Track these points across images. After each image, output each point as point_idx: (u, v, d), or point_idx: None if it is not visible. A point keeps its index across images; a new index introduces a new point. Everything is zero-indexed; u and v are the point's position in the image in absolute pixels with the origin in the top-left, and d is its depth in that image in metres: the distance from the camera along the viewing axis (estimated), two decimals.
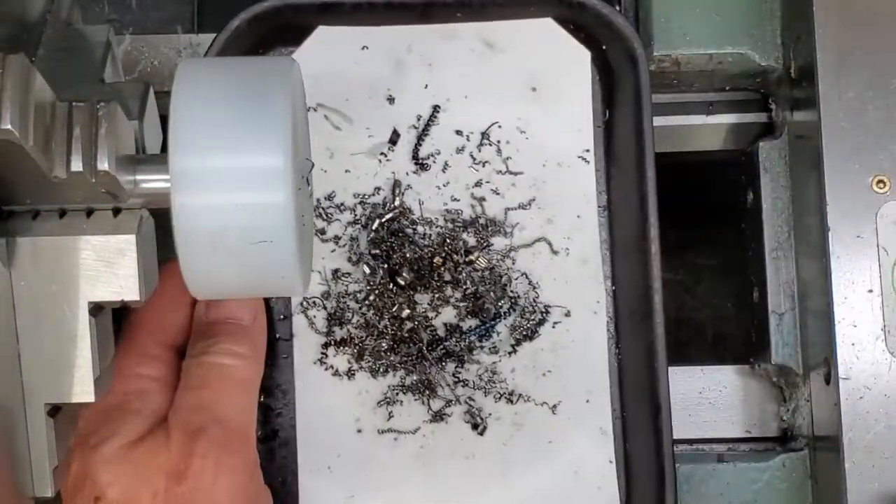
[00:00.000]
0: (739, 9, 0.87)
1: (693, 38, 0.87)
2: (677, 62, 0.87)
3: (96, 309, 0.67)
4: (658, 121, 0.94)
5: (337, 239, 0.84)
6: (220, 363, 0.66)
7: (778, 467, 0.84)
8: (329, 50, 0.84)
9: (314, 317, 0.83)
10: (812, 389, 0.83)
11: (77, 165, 0.62)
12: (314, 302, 0.84)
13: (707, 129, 0.94)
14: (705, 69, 0.88)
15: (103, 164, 0.63)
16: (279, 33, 0.83)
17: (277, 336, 0.83)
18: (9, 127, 0.57)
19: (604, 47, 0.84)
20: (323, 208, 0.84)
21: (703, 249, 1.31)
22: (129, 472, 0.59)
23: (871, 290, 0.78)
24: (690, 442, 0.89)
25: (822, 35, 0.80)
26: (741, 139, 0.93)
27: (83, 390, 0.66)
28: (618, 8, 0.90)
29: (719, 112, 0.94)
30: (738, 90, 0.92)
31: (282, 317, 0.84)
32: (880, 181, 0.79)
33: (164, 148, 0.64)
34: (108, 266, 0.66)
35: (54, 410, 0.67)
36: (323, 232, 0.84)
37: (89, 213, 0.67)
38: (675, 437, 0.88)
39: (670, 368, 0.90)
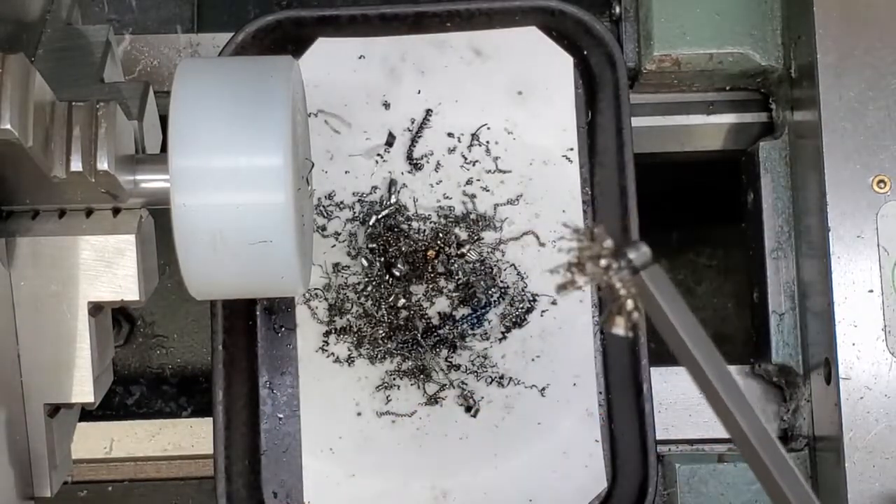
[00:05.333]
0: (739, 9, 0.87)
1: (693, 38, 0.87)
2: (677, 62, 0.87)
3: (96, 309, 0.67)
4: (658, 121, 0.94)
5: (337, 235, 0.86)
6: None
7: None
8: (328, 59, 0.87)
9: (316, 307, 0.86)
10: (812, 389, 0.83)
11: (76, 165, 0.62)
12: (316, 293, 0.86)
13: (707, 129, 0.94)
14: (705, 69, 0.88)
15: (103, 164, 0.63)
16: (281, 45, 0.86)
17: (281, 326, 0.86)
18: (8, 127, 0.57)
19: (585, 53, 0.87)
20: (323, 206, 0.86)
21: (703, 249, 1.31)
22: None
23: (871, 290, 0.78)
24: (690, 442, 0.89)
25: (822, 35, 0.80)
26: (741, 139, 0.93)
27: (83, 390, 0.66)
28: (616, 9, 0.90)
29: (719, 112, 0.93)
30: (739, 90, 0.92)
31: (286, 308, 0.86)
32: (881, 181, 0.79)
33: (164, 148, 0.64)
34: (108, 266, 0.66)
35: (54, 411, 0.67)
36: (324, 228, 0.86)
37: (89, 213, 0.67)
38: (675, 437, 0.89)
39: (671, 368, 0.90)
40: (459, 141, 0.87)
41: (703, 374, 0.46)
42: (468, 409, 0.85)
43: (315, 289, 0.85)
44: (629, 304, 0.46)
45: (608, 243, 0.45)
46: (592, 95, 0.88)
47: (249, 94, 0.64)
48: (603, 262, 0.45)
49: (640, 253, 0.45)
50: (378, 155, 0.87)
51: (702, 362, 0.46)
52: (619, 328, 0.46)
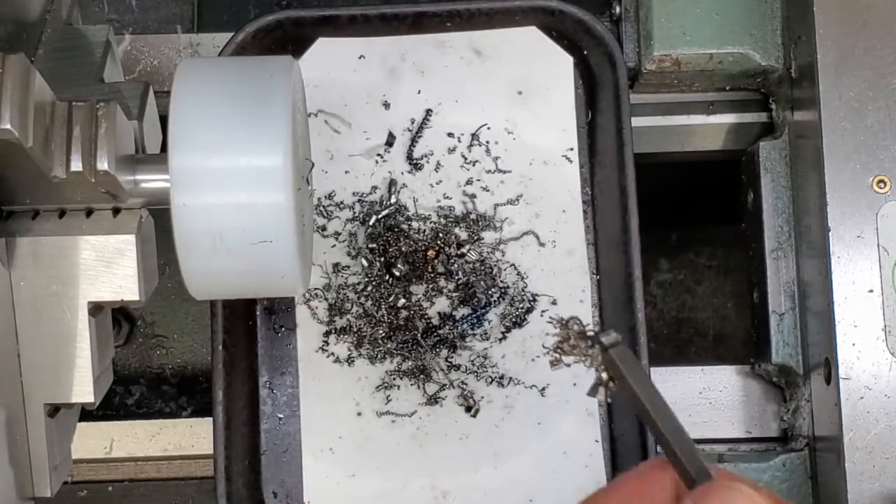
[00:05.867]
0: (739, 8, 0.87)
1: (693, 38, 0.87)
2: (677, 62, 0.87)
3: (96, 309, 0.67)
4: (658, 121, 0.94)
5: (337, 235, 0.86)
6: None
7: (778, 467, 0.84)
8: (329, 60, 0.87)
9: (316, 307, 0.86)
10: (812, 389, 0.83)
11: (77, 165, 0.62)
12: (316, 293, 0.86)
13: (707, 129, 0.94)
14: (705, 69, 0.88)
15: (103, 164, 0.63)
16: (282, 45, 0.86)
17: (281, 326, 0.86)
18: (8, 127, 0.57)
19: (585, 53, 0.87)
20: (323, 206, 0.86)
21: (703, 249, 1.32)
22: None
23: (871, 290, 0.78)
24: None
25: (822, 35, 0.80)
26: (741, 139, 0.93)
27: (83, 390, 0.66)
28: (616, 9, 0.90)
29: (719, 112, 0.93)
30: (739, 90, 0.92)
31: (286, 308, 0.86)
32: (881, 181, 0.79)
33: (164, 148, 0.64)
34: (108, 266, 0.66)
35: (54, 411, 0.67)
36: (324, 228, 0.86)
37: (89, 213, 0.67)
38: None
39: (671, 368, 0.90)
40: (459, 141, 0.87)
41: (664, 436, 0.56)
42: (468, 409, 0.85)
43: (315, 289, 0.85)
44: (605, 376, 0.59)
45: (578, 328, 0.61)
46: (592, 95, 0.88)
47: (249, 93, 0.64)
48: (579, 342, 0.61)
49: (610, 336, 0.58)
50: (378, 155, 0.87)
51: (661, 426, 0.56)
52: (601, 395, 0.59)
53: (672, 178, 1.12)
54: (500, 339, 0.85)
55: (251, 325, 0.86)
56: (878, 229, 0.78)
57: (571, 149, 0.87)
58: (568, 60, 0.87)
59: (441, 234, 0.86)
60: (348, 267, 0.86)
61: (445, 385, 0.85)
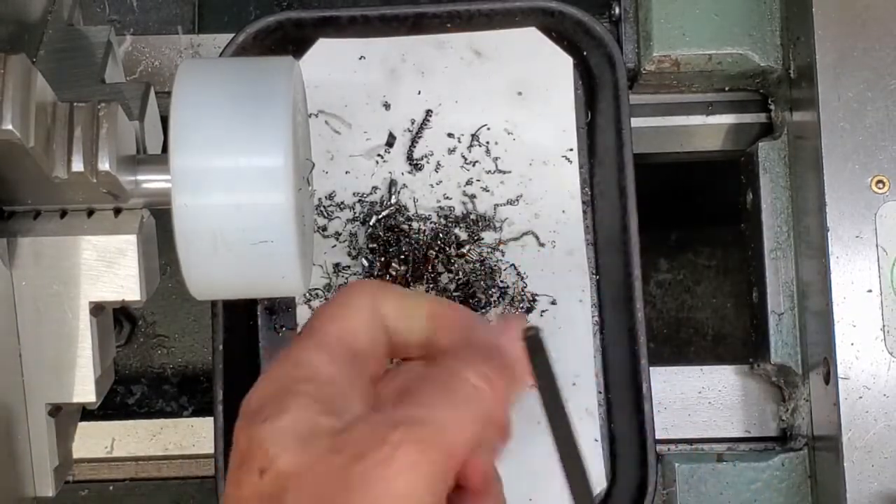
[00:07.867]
0: (739, 9, 0.87)
1: (692, 39, 0.87)
2: (677, 62, 0.88)
3: (97, 309, 0.67)
4: (658, 121, 0.94)
5: (337, 235, 0.87)
6: (464, 378, 0.55)
7: (777, 467, 0.84)
8: (329, 60, 0.87)
9: (317, 308, 0.85)
10: (811, 389, 0.83)
11: (78, 166, 0.62)
12: (317, 294, 0.86)
13: (707, 129, 0.94)
14: (705, 69, 0.88)
15: (104, 165, 0.63)
16: (282, 46, 0.86)
17: (282, 326, 0.86)
18: (10, 127, 0.57)
19: (584, 53, 0.87)
20: (324, 207, 0.87)
21: (703, 249, 1.32)
22: (299, 445, 0.51)
23: (870, 290, 0.78)
24: (690, 441, 0.89)
25: (821, 36, 0.80)
26: (741, 139, 0.94)
27: (84, 390, 0.67)
28: (616, 9, 0.90)
29: (719, 112, 0.94)
30: (738, 90, 0.92)
31: (286, 308, 0.86)
32: (879, 181, 0.79)
33: (165, 148, 0.64)
34: (109, 266, 0.66)
35: (55, 410, 0.67)
36: (324, 229, 0.86)
37: (90, 213, 0.67)
38: (674, 436, 0.89)
39: (670, 368, 0.90)
40: (459, 141, 0.87)
41: (556, 424, 0.58)
42: None
43: (316, 289, 0.86)
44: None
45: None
46: (592, 96, 0.88)
47: (250, 94, 0.64)
48: None
49: (530, 328, 0.59)
50: (378, 155, 0.87)
51: (552, 427, 0.58)
52: None
53: (672, 178, 1.12)
54: None
55: (252, 325, 0.86)
56: (876, 229, 0.78)
57: (571, 149, 0.87)
58: (567, 61, 0.88)
59: (441, 235, 0.86)
60: (349, 267, 0.86)
61: None
